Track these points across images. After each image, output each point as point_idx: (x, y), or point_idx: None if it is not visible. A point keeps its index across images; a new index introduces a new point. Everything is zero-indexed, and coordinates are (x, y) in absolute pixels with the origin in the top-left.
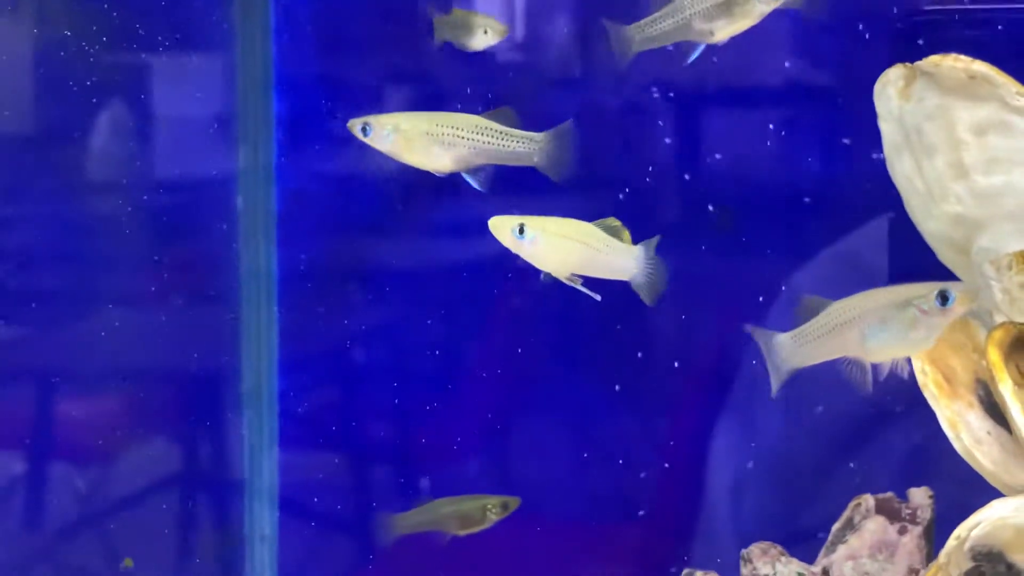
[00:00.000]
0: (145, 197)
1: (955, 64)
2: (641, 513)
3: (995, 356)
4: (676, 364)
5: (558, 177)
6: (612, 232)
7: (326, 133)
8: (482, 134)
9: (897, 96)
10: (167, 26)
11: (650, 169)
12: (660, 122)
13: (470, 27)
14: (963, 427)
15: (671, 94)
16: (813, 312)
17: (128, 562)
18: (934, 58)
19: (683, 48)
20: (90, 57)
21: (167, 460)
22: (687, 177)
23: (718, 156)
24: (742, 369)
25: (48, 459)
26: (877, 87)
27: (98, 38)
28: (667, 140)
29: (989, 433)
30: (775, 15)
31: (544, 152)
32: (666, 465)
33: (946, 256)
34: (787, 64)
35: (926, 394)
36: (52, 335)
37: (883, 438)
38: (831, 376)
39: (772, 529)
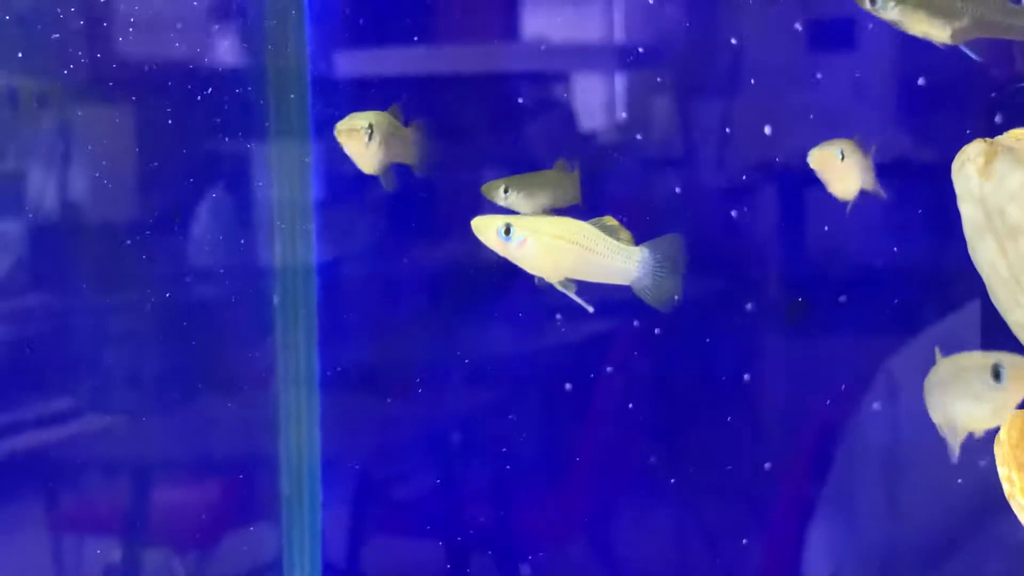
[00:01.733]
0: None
1: None
2: None
3: None
4: (767, 461)
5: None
6: (609, 232)
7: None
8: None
9: (977, 175)
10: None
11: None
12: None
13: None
14: None
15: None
16: None
17: None
18: (1016, 132)
19: None
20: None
21: None
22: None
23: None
24: (837, 462)
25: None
26: (955, 165)
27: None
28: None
29: None
30: None
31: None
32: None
33: None
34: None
35: (1013, 505)
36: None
37: (991, 531)
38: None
39: None
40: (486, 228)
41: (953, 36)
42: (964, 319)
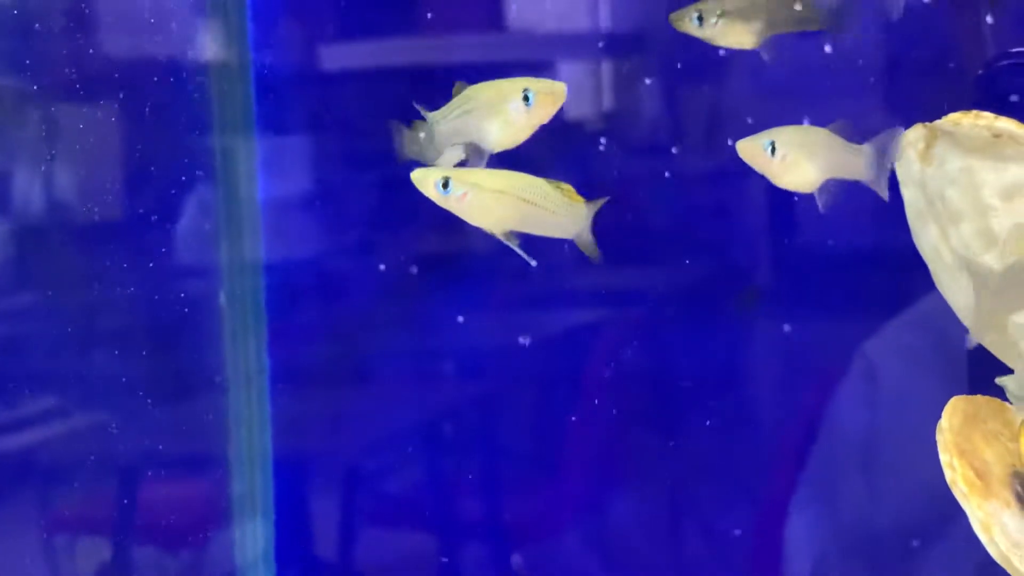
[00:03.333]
0: None
1: (976, 122)
2: None
3: None
4: (757, 436)
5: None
6: (564, 192)
7: None
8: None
9: (918, 159)
10: None
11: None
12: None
13: None
14: (998, 530)
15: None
16: None
17: None
18: (954, 116)
19: None
20: None
21: None
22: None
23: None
24: (818, 449)
25: None
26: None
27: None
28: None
29: None
30: None
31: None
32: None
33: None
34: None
35: (954, 492)
36: None
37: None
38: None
39: None
40: (425, 180)
41: (756, 39)
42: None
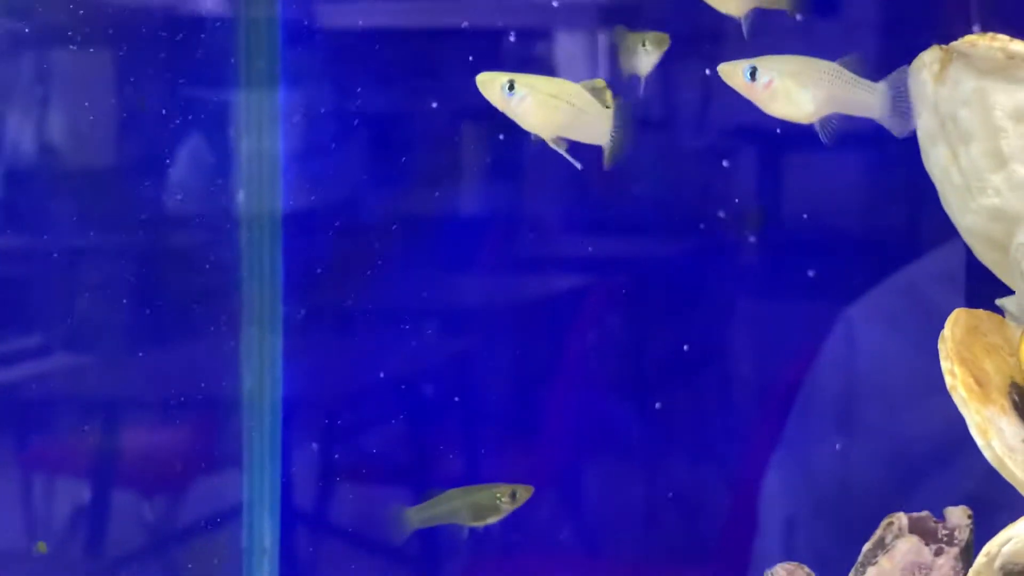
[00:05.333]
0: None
1: (992, 44)
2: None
3: None
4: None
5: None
6: (597, 94)
7: None
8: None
9: (932, 81)
10: None
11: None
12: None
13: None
14: (994, 433)
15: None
16: None
17: (41, 546)
18: (970, 38)
19: None
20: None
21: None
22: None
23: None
24: (795, 400)
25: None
26: (911, 71)
27: None
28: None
29: (1023, 441)
30: None
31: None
32: (711, 492)
33: (984, 255)
34: None
35: (954, 397)
36: None
37: (945, 477)
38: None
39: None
40: (491, 83)
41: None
42: (924, 269)
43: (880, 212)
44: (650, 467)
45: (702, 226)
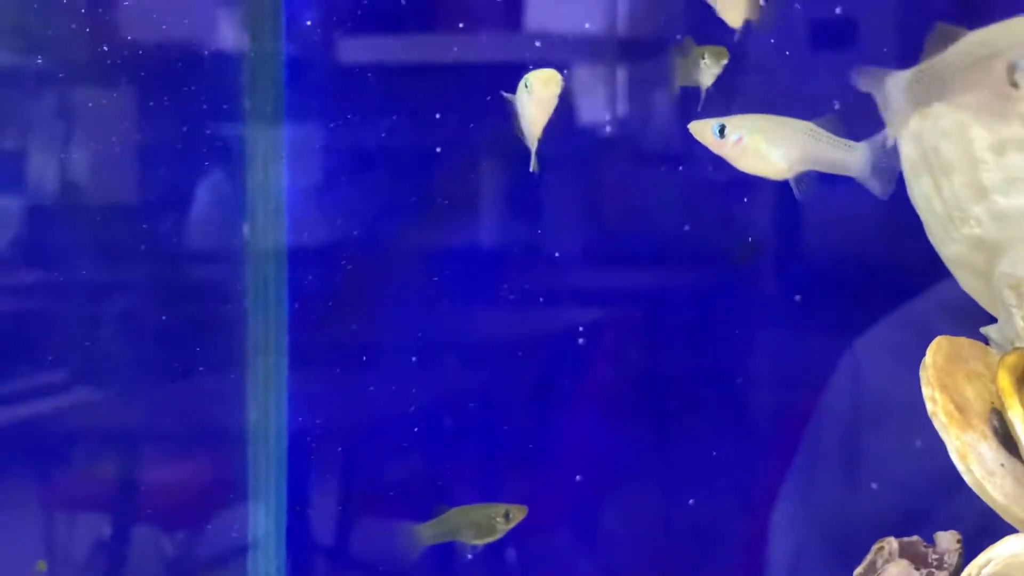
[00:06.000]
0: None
1: None
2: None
3: (1005, 382)
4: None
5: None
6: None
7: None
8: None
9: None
10: None
11: None
12: None
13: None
14: (974, 458)
15: None
16: (947, 40)
17: (41, 565)
18: None
19: None
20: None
21: None
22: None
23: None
24: (804, 430)
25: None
26: None
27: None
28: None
29: (1003, 465)
30: None
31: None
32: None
33: (968, 284)
34: None
35: (935, 423)
36: None
37: (949, 510)
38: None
39: None
40: (702, 130)
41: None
42: (929, 302)
43: (886, 243)
44: (659, 495)
45: (711, 257)
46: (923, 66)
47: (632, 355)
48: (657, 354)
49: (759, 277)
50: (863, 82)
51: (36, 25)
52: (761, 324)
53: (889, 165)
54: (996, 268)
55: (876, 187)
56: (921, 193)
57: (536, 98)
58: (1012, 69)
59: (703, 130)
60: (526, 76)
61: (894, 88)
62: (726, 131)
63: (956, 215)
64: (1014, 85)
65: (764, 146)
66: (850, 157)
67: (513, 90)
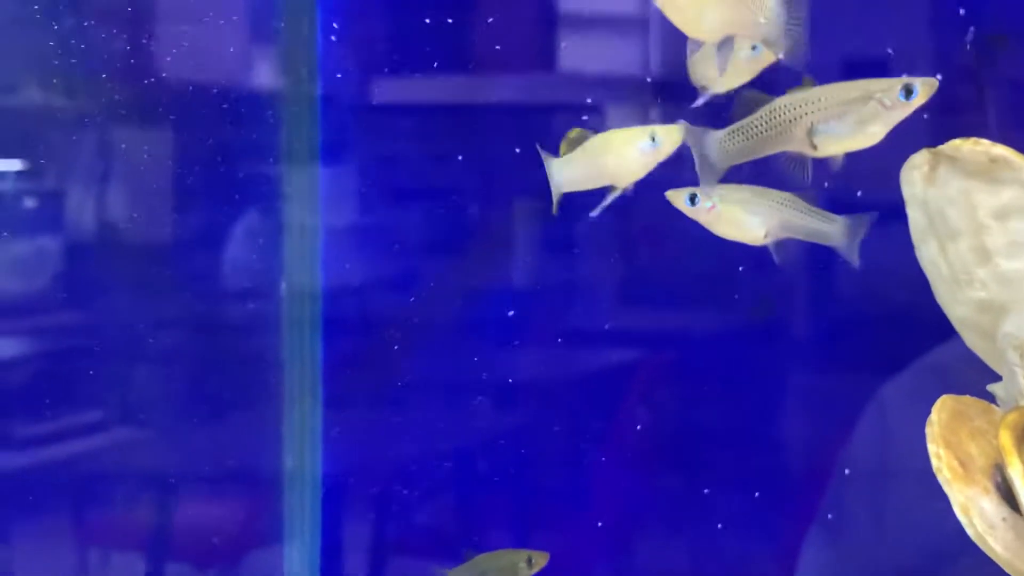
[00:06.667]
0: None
1: (975, 148)
2: None
3: (1006, 440)
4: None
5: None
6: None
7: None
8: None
9: (922, 181)
10: None
11: None
12: None
13: None
14: (976, 513)
15: None
16: (752, 107)
17: None
18: (955, 142)
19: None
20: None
21: None
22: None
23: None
24: (831, 482)
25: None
26: (903, 172)
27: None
28: None
29: (1004, 519)
30: None
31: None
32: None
33: (975, 343)
34: None
35: (939, 479)
36: None
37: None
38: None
39: None
40: (675, 198)
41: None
42: (955, 351)
43: (912, 292)
44: (686, 541)
45: (742, 304)
46: (733, 127)
47: (662, 400)
48: (687, 400)
49: (789, 325)
50: (688, 137)
51: (77, 66)
52: (790, 371)
53: (866, 235)
54: (1000, 329)
55: (854, 258)
56: (928, 257)
57: (660, 153)
58: (811, 133)
59: (676, 197)
60: (651, 129)
61: (709, 145)
62: (697, 200)
63: (962, 278)
64: (813, 148)
65: (742, 214)
66: (830, 228)
67: (541, 130)
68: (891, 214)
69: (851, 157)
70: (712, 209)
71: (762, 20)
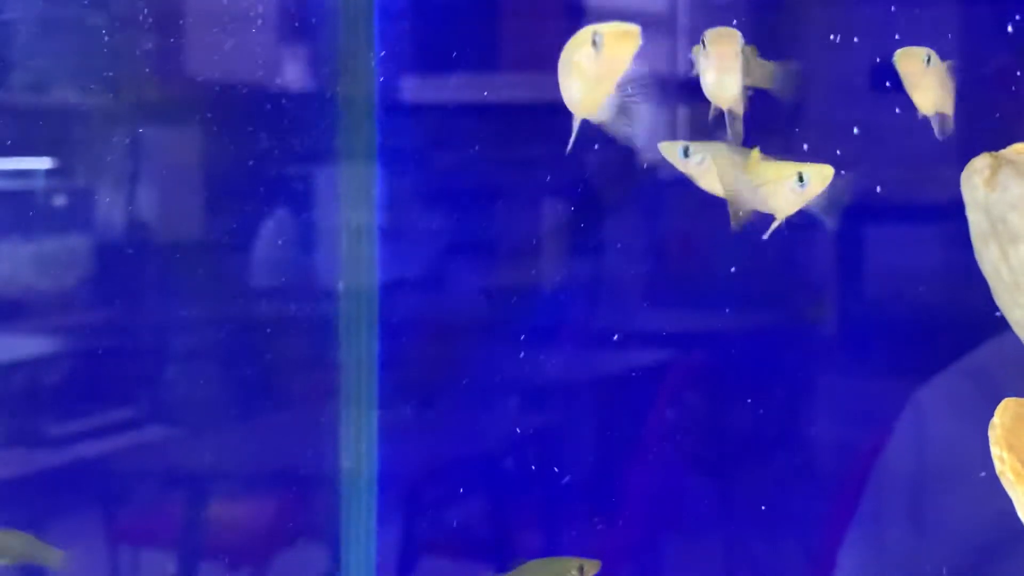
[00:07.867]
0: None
1: None
2: None
3: None
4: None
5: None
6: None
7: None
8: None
9: (983, 185)
10: None
11: None
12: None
13: None
14: None
15: None
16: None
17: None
18: (1017, 146)
19: None
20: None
21: None
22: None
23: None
24: (867, 481)
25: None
26: (964, 176)
27: None
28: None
29: None
30: None
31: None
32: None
33: None
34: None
35: (1003, 481)
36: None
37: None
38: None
39: None
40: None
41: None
42: (993, 354)
43: (950, 295)
44: (725, 544)
45: (780, 305)
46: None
47: (700, 402)
48: (723, 401)
49: (827, 326)
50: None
51: (134, 67)
52: (824, 373)
53: (840, 202)
54: None
55: (829, 221)
56: (989, 261)
57: (606, 56)
58: None
59: (670, 151)
60: (592, 28)
61: None
62: (690, 151)
63: (1022, 281)
64: None
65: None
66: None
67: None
68: (927, 216)
69: (881, 161)
70: (701, 163)
71: None
